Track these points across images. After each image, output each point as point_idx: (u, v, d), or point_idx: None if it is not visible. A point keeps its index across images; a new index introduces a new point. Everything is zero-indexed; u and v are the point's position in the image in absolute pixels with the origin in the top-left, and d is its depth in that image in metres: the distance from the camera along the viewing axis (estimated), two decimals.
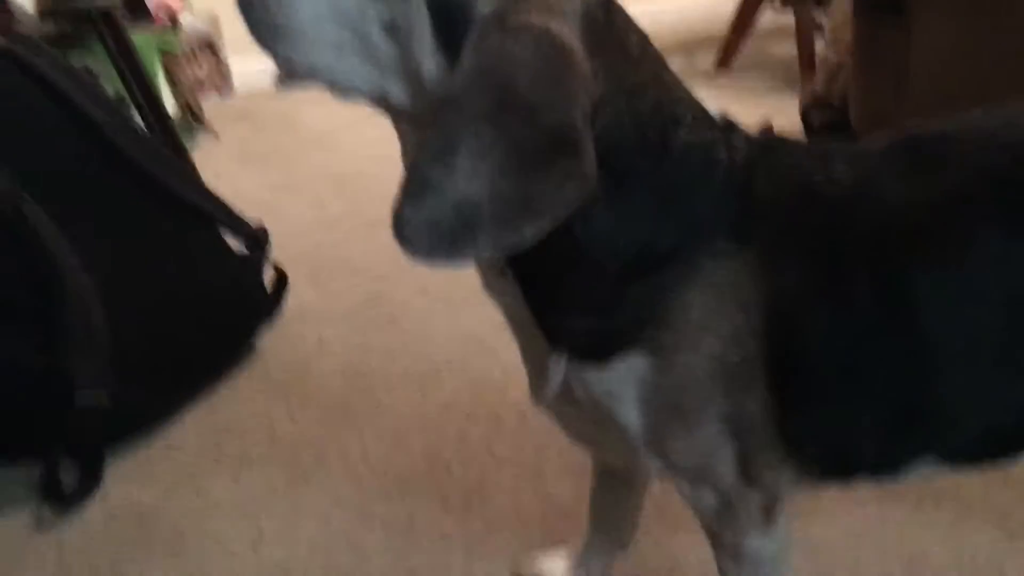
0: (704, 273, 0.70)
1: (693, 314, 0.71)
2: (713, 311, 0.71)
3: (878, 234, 0.72)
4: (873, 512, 1.13)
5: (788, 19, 3.20)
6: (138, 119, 2.48)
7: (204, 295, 1.49)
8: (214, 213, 1.56)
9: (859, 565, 1.06)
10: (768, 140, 0.79)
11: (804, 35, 2.93)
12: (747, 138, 0.77)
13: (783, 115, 2.68)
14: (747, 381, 0.73)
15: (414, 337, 1.62)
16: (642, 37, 0.73)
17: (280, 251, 1.85)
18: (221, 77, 3.97)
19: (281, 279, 1.74)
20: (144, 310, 1.37)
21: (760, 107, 2.86)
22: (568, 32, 0.64)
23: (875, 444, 0.77)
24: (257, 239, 1.65)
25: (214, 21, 3.91)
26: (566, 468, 1.23)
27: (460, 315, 1.68)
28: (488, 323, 1.63)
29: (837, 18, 2.46)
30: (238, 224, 1.62)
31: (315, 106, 3.65)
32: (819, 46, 2.65)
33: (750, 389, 0.73)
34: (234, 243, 1.65)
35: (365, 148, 2.91)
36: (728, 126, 0.77)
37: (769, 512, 0.80)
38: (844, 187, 0.74)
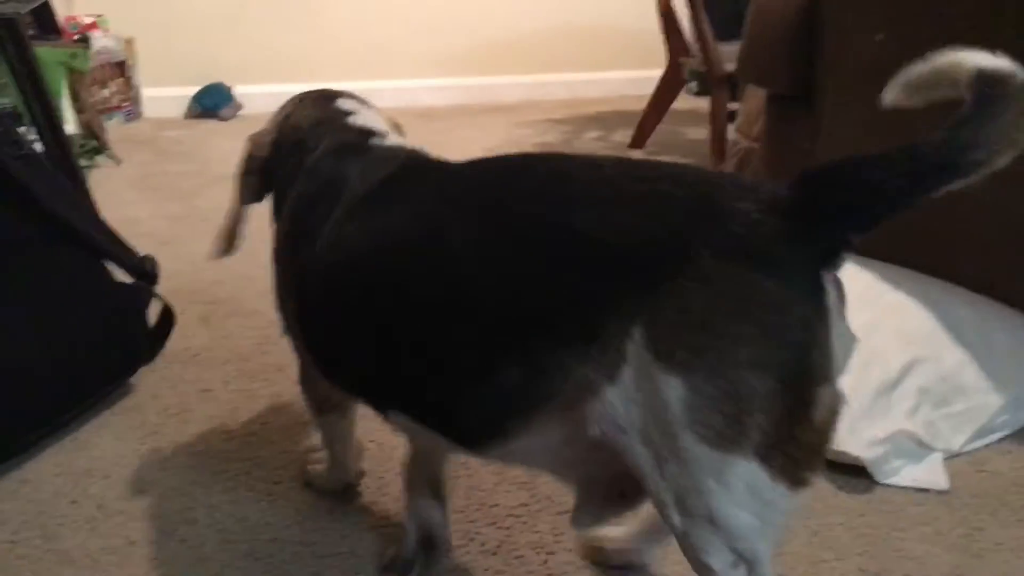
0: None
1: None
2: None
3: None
4: None
5: (703, 104, 3.28)
6: (34, 135, 2.37)
7: (73, 327, 1.40)
8: (97, 240, 1.47)
9: None
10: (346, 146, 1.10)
11: (717, 120, 3.00)
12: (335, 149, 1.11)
13: None
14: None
15: None
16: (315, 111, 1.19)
17: (172, 286, 1.76)
18: (129, 100, 3.85)
19: (167, 316, 1.65)
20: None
21: None
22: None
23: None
24: (144, 272, 1.57)
25: (128, 43, 3.81)
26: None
27: None
28: None
29: (750, 106, 2.53)
30: (124, 255, 1.54)
31: (223, 138, 3.57)
32: (731, 132, 2.72)
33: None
34: (122, 274, 1.57)
35: None
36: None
37: (322, 404, 1.19)
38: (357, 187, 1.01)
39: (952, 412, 1.38)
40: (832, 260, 0.76)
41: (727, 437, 0.72)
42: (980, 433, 1.39)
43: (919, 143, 0.74)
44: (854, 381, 1.34)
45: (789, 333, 0.73)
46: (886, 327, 1.46)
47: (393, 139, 1.13)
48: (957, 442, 1.36)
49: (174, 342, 1.67)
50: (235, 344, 1.71)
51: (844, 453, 1.28)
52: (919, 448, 1.33)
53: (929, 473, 1.30)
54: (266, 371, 1.61)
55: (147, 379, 1.56)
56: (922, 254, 1.69)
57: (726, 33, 3.74)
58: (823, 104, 1.89)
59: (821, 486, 1.28)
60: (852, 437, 1.29)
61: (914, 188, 0.73)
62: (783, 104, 2.07)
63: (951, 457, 1.35)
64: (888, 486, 1.28)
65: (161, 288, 1.65)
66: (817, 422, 0.75)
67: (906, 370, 1.38)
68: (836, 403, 0.78)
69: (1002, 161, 0.72)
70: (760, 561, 0.78)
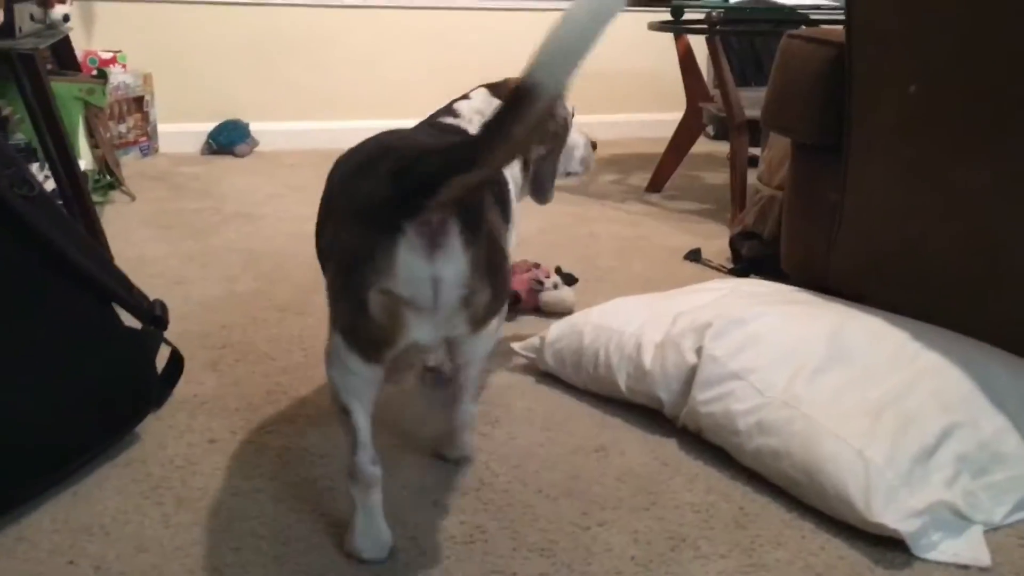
0: None
1: None
2: None
3: None
4: None
5: (721, 147, 3.25)
6: (47, 171, 2.35)
7: (78, 374, 1.35)
8: (107, 284, 1.43)
9: None
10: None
11: (737, 166, 2.96)
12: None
13: (712, 242, 2.68)
14: None
15: (313, 441, 1.50)
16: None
17: (181, 328, 1.72)
18: (146, 136, 3.84)
19: (176, 362, 1.60)
20: None
21: (689, 232, 2.86)
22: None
23: None
24: (154, 317, 1.53)
25: (147, 79, 3.81)
26: None
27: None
28: (394, 429, 1.52)
29: (772, 154, 2.49)
30: (134, 299, 1.50)
31: (240, 175, 3.55)
32: (751, 178, 2.68)
33: None
34: (131, 319, 1.52)
35: (286, 225, 2.81)
36: None
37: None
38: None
39: (992, 482, 1.32)
40: (411, 214, 1.04)
41: (331, 318, 1.19)
42: (1021, 505, 1.32)
43: (454, 144, 1.05)
44: (889, 446, 1.29)
45: (357, 254, 1.09)
46: (922, 389, 1.40)
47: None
48: (999, 514, 1.30)
49: (182, 388, 1.63)
50: (244, 392, 1.66)
51: (882, 525, 1.21)
52: (958, 520, 1.26)
53: (970, 547, 1.23)
54: (276, 422, 1.56)
55: (153, 428, 1.51)
56: (958, 313, 1.63)
57: (744, 78, 3.74)
58: (851, 155, 1.84)
59: (856, 560, 1.22)
60: (889, 508, 1.22)
61: (446, 173, 0.99)
62: (809, 154, 2.02)
63: (992, 530, 1.28)
64: (927, 561, 1.21)
65: (171, 331, 1.60)
66: (375, 318, 1.10)
67: (944, 436, 1.32)
68: (396, 308, 1.09)
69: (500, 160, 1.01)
70: (350, 412, 1.18)
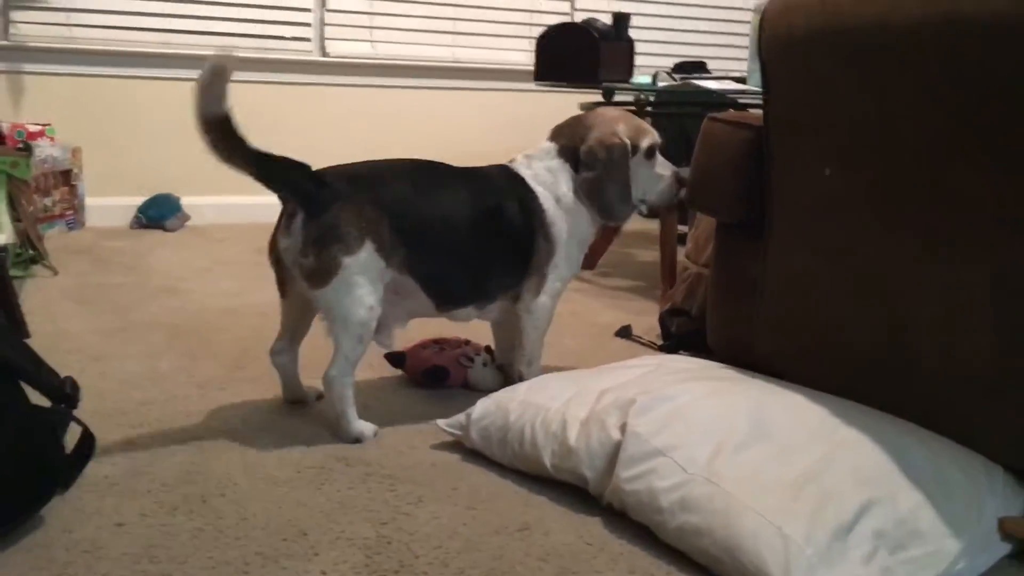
0: None
1: None
2: None
3: None
4: None
5: (653, 225, 3.31)
6: None
7: None
8: (12, 360, 1.38)
9: None
10: None
11: (667, 244, 3.01)
12: None
13: (643, 318, 2.71)
14: None
15: (228, 521, 1.45)
16: None
17: (96, 407, 1.66)
18: (73, 210, 3.78)
19: (87, 442, 1.55)
20: None
21: (620, 308, 2.89)
22: None
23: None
24: (64, 394, 1.48)
25: (75, 152, 3.76)
26: None
27: (285, 499, 1.52)
28: (314, 511, 1.48)
29: (699, 232, 2.54)
30: (43, 376, 1.45)
31: (168, 249, 3.50)
32: (680, 255, 2.73)
33: None
34: (38, 397, 1.47)
35: (214, 299, 2.77)
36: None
37: None
38: None
39: (910, 557, 1.32)
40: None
41: None
42: None
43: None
44: (808, 522, 1.29)
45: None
46: (840, 465, 1.41)
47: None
48: None
49: (92, 469, 1.57)
50: (158, 472, 1.60)
51: None
52: None
53: None
54: (189, 502, 1.50)
55: (59, 510, 1.45)
56: (875, 390, 1.66)
57: (675, 159, 3.83)
58: (771, 234, 1.89)
59: None
60: None
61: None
62: (731, 232, 2.07)
63: None
64: None
65: (85, 409, 1.55)
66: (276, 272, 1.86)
67: (862, 512, 1.33)
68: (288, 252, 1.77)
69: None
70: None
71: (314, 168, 1.75)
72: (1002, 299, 1.50)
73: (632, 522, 1.47)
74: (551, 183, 1.95)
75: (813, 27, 1.69)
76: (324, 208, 1.70)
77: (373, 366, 2.16)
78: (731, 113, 2.10)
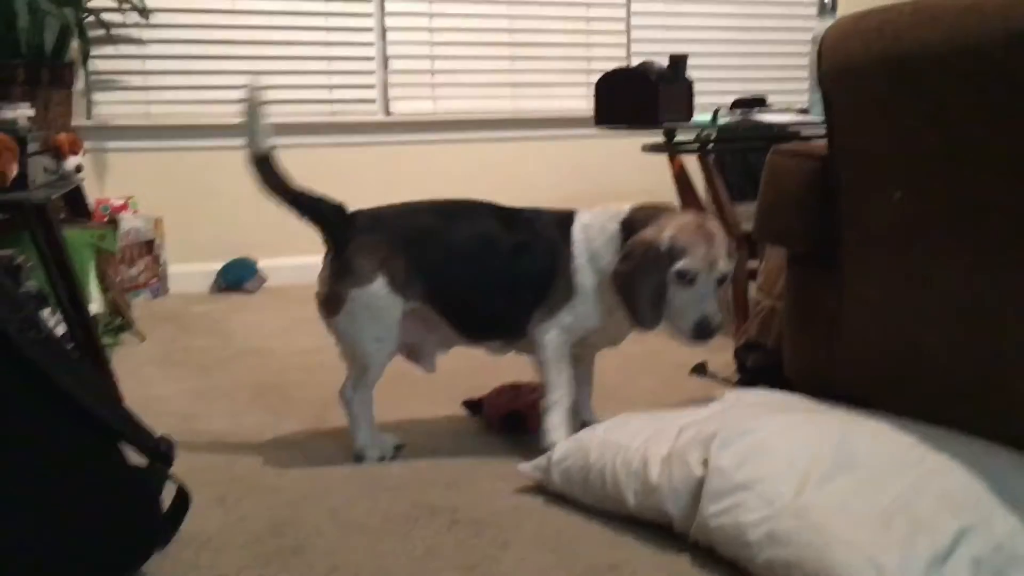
0: None
1: None
2: None
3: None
4: None
5: None
6: (58, 316, 2.40)
7: (82, 514, 1.35)
8: (112, 422, 1.44)
9: None
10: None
11: (738, 280, 3.00)
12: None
13: (718, 355, 2.69)
14: None
15: (319, 571, 1.48)
16: None
17: (189, 465, 1.71)
18: (157, 278, 3.92)
19: (182, 499, 1.60)
20: None
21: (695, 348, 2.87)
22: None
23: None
24: (159, 453, 1.53)
25: (157, 223, 3.91)
26: None
27: (377, 546, 1.55)
28: (402, 559, 1.50)
29: (770, 265, 2.53)
30: (140, 437, 1.51)
31: (247, 312, 3.60)
32: (752, 290, 2.71)
33: None
34: (137, 456, 1.53)
35: (294, 357, 2.84)
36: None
37: None
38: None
39: None
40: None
41: None
42: None
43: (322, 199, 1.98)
44: (901, 552, 1.27)
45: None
46: (930, 492, 1.39)
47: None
48: None
49: (188, 525, 1.61)
50: (250, 526, 1.65)
51: None
52: None
53: None
54: (282, 554, 1.54)
55: (159, 566, 1.50)
56: (963, 416, 1.63)
57: (741, 194, 3.82)
58: (845, 263, 1.88)
59: None
60: None
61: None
62: (803, 263, 2.06)
63: None
64: None
65: (177, 465, 1.60)
66: None
67: (957, 539, 1.30)
68: None
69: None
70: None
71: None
72: None
73: (720, 558, 1.46)
74: (595, 240, 1.90)
75: (872, 53, 1.69)
76: (345, 244, 1.89)
77: (451, 418, 2.19)
78: (795, 145, 2.10)
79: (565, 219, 1.95)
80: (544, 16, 4.61)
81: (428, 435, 2.10)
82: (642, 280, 1.79)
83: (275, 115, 4.15)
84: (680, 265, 1.76)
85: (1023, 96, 1.45)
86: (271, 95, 4.12)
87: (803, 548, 1.33)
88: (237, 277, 4.00)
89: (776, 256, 2.43)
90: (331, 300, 1.89)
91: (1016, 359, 1.57)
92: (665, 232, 1.79)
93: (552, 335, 1.92)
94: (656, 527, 1.58)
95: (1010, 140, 1.49)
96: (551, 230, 1.93)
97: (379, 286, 1.86)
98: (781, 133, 2.83)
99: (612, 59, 4.64)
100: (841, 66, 1.79)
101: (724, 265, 1.80)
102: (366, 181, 4.21)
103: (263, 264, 4.11)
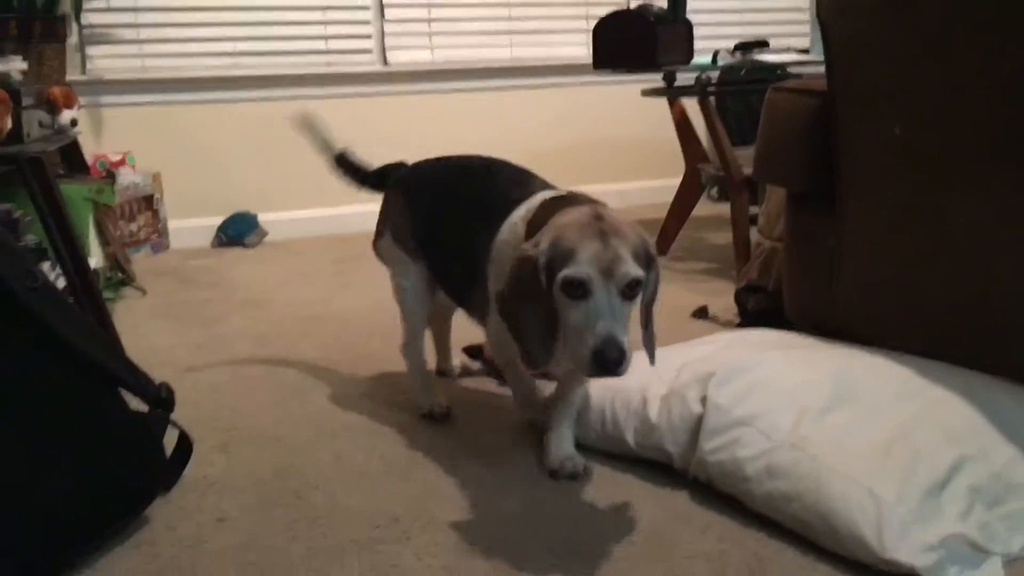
0: None
1: None
2: None
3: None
4: None
5: (725, 209, 3.28)
6: (58, 270, 2.40)
7: (86, 458, 1.36)
8: (112, 369, 1.45)
9: None
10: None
11: (739, 224, 2.99)
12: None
13: (719, 299, 2.69)
14: None
15: (322, 512, 1.49)
16: None
17: (191, 414, 1.73)
18: (157, 233, 3.91)
19: (184, 444, 1.61)
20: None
21: (696, 291, 2.87)
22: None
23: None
24: (160, 399, 1.54)
25: (156, 178, 3.90)
26: None
27: (375, 489, 1.56)
28: (404, 498, 1.52)
29: (770, 207, 2.51)
30: (139, 384, 1.51)
31: (249, 264, 3.60)
32: (753, 234, 2.70)
33: None
34: (138, 403, 1.54)
35: (296, 308, 2.84)
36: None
37: None
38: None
39: (1008, 511, 1.29)
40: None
41: None
42: None
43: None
44: (899, 482, 1.27)
45: None
46: (929, 423, 1.39)
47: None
48: (1017, 544, 1.27)
49: (191, 471, 1.63)
50: (253, 471, 1.66)
51: (896, 562, 1.19)
52: (976, 552, 1.24)
53: None
54: (285, 496, 1.55)
55: (162, 510, 1.51)
56: (962, 352, 1.62)
57: (743, 138, 3.79)
58: (844, 201, 1.86)
59: None
60: (903, 544, 1.20)
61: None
62: (803, 202, 2.04)
63: (1011, 560, 1.25)
64: None
65: (179, 416, 1.61)
66: None
67: (955, 469, 1.31)
68: None
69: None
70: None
71: None
72: None
73: (719, 493, 1.47)
74: (507, 242, 1.56)
75: None
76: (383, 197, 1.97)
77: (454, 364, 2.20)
78: (794, 81, 2.07)
79: (510, 206, 1.59)
80: None
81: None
82: (522, 305, 1.37)
83: (270, 67, 4.15)
84: (565, 274, 1.30)
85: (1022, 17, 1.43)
86: (265, 46, 4.10)
87: (801, 480, 1.34)
88: (238, 232, 3.99)
89: (776, 198, 2.41)
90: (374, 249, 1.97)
91: (1012, 287, 1.56)
92: (546, 236, 1.36)
93: (492, 318, 1.61)
94: (656, 465, 1.59)
95: (1011, 64, 1.47)
96: (500, 216, 1.59)
97: (387, 238, 1.89)
98: (782, 72, 2.79)
99: (612, 4, 4.58)
100: (840, 2, 1.76)
101: (630, 269, 1.31)
102: (364, 132, 4.18)
103: (263, 218, 4.10)
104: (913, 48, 1.63)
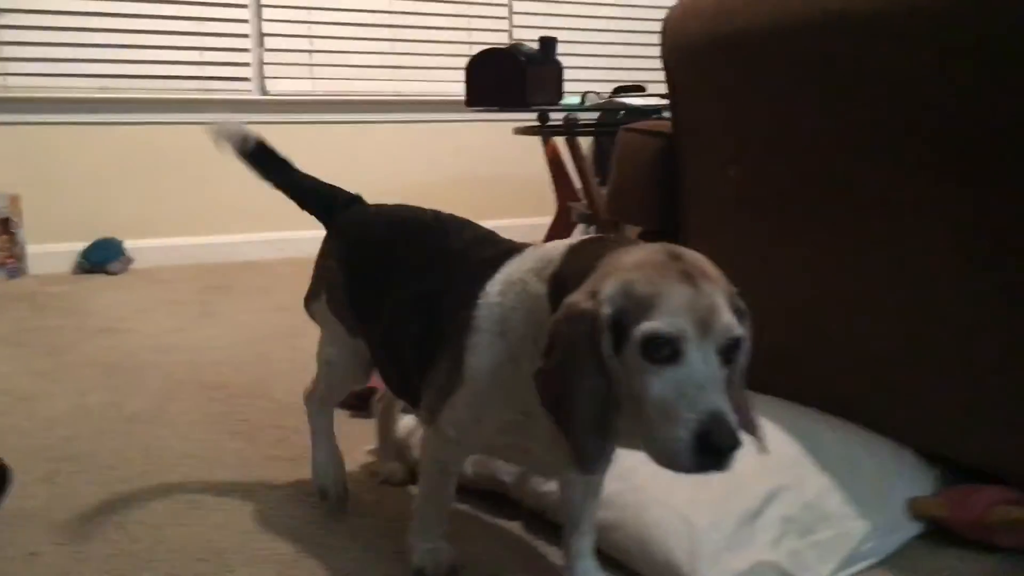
0: None
1: None
2: None
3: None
4: None
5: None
6: None
7: None
8: None
9: None
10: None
11: None
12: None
13: None
14: None
15: (144, 545, 1.44)
16: None
17: (20, 444, 1.65)
18: (13, 258, 3.75)
19: (2, 475, 1.53)
20: None
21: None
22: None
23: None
24: None
25: (14, 200, 3.75)
26: None
27: (205, 522, 1.52)
28: (234, 532, 1.48)
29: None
30: None
31: (110, 292, 3.49)
32: None
33: None
34: None
35: (151, 338, 2.75)
36: None
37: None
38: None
39: (818, 540, 1.34)
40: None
41: None
42: (847, 561, 1.35)
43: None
44: (714, 511, 1.31)
45: None
46: (747, 455, 1.43)
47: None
48: (824, 571, 1.32)
49: (10, 503, 1.55)
50: (77, 503, 1.59)
51: None
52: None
53: None
54: (104, 529, 1.49)
55: None
56: (784, 381, 1.69)
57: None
58: (689, 237, 1.92)
59: None
60: (714, 569, 1.23)
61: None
62: (653, 239, 2.10)
63: None
64: None
65: (9, 446, 1.54)
66: None
67: (769, 499, 1.35)
68: None
69: None
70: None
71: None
72: (904, 284, 1.53)
73: (549, 522, 1.48)
74: (512, 307, 1.15)
75: (708, 32, 1.74)
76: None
77: None
78: (644, 123, 2.14)
79: (491, 264, 1.22)
80: None
81: (278, 412, 2.07)
82: (574, 380, 0.98)
83: (142, 90, 4.05)
84: (647, 329, 0.95)
85: (839, 75, 1.51)
86: (137, 69, 4.00)
87: (624, 509, 1.36)
88: (101, 258, 3.86)
89: (634, 234, 2.48)
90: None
91: (829, 327, 1.64)
92: (607, 281, 0.99)
93: (429, 433, 1.29)
94: (491, 496, 1.59)
95: (831, 117, 1.55)
96: (472, 278, 1.22)
97: (321, 305, 1.53)
98: (658, 116, 2.88)
99: (495, 44, 4.65)
100: (681, 46, 1.83)
101: (732, 323, 0.99)
102: (238, 164, 4.12)
103: (132, 245, 3.98)
104: (745, 97, 1.70)
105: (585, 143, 3.60)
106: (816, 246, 1.65)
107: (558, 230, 3.51)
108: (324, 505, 1.57)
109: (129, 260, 3.94)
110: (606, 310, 0.97)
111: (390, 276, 1.39)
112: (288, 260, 4.03)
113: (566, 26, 4.72)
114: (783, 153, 1.66)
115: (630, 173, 2.06)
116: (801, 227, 1.66)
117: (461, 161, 4.64)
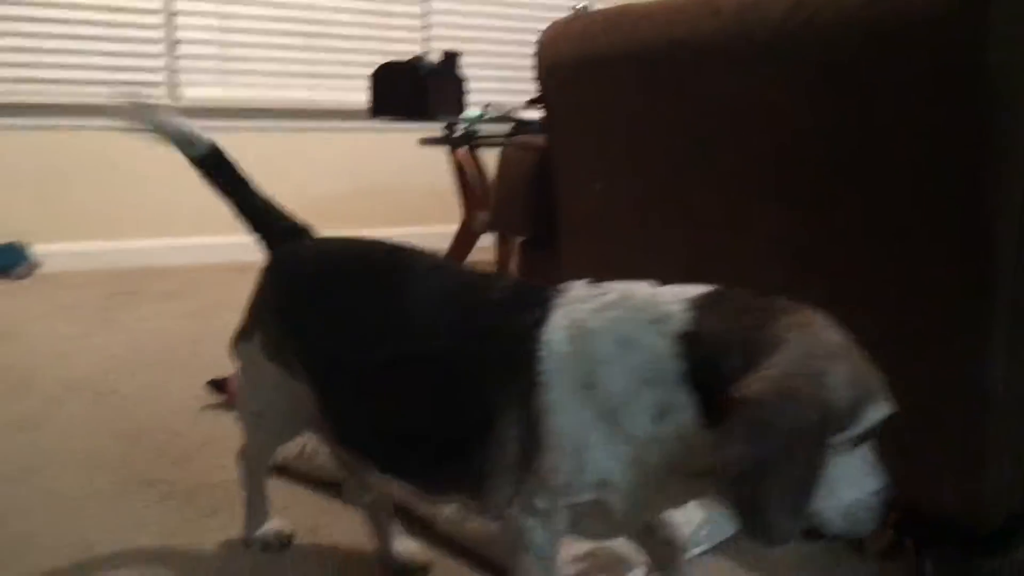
0: None
1: None
2: None
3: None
4: None
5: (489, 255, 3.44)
6: None
7: None
8: None
9: None
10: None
11: (503, 267, 3.15)
12: None
13: None
14: None
15: (13, 542, 1.49)
16: None
17: None
18: None
19: None
20: None
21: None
22: None
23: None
24: None
25: None
26: None
27: (82, 519, 1.57)
28: (111, 528, 1.53)
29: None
30: None
31: (7, 297, 3.47)
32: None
33: None
34: None
35: (47, 343, 2.76)
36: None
37: None
38: None
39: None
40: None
41: None
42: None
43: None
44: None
45: None
46: None
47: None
48: None
49: None
50: None
51: None
52: (619, 562, 1.38)
53: None
54: None
55: None
56: None
57: None
58: (561, 249, 2.03)
59: None
60: None
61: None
62: (532, 248, 2.21)
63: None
64: None
65: None
66: None
67: None
68: None
69: None
70: None
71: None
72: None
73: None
74: (598, 358, 1.01)
75: (576, 54, 1.85)
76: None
77: (197, 396, 2.20)
78: (523, 138, 2.24)
79: (521, 309, 1.08)
80: (340, 7, 4.65)
81: (167, 415, 2.12)
82: (786, 467, 0.91)
83: (50, 95, 4.03)
84: (874, 415, 0.94)
85: (685, 100, 1.63)
86: (44, 74, 3.99)
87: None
88: (3, 263, 3.83)
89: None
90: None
91: None
92: (833, 371, 0.92)
93: (528, 523, 1.06)
94: None
95: (679, 140, 1.67)
96: (495, 333, 1.08)
97: (253, 349, 1.35)
98: (523, 128, 2.99)
99: (408, 53, 4.73)
100: (552, 66, 1.93)
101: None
102: (150, 168, 4.13)
103: (38, 249, 3.96)
104: (605, 112, 1.81)
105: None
106: (670, 260, 1.76)
107: (463, 236, 3.60)
108: (197, 501, 1.63)
109: (35, 265, 3.91)
110: (842, 402, 0.92)
111: (363, 328, 1.20)
112: (199, 266, 4.05)
113: (480, 37, 4.82)
114: (639, 172, 1.77)
115: (508, 185, 2.17)
116: (658, 241, 1.78)
117: (371, 170, 4.70)
